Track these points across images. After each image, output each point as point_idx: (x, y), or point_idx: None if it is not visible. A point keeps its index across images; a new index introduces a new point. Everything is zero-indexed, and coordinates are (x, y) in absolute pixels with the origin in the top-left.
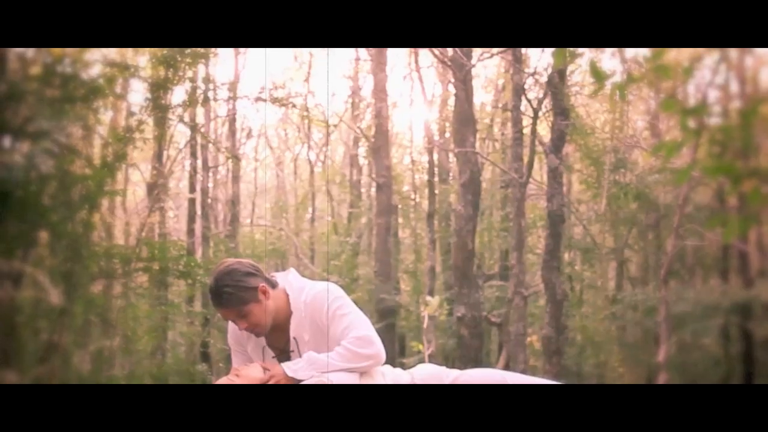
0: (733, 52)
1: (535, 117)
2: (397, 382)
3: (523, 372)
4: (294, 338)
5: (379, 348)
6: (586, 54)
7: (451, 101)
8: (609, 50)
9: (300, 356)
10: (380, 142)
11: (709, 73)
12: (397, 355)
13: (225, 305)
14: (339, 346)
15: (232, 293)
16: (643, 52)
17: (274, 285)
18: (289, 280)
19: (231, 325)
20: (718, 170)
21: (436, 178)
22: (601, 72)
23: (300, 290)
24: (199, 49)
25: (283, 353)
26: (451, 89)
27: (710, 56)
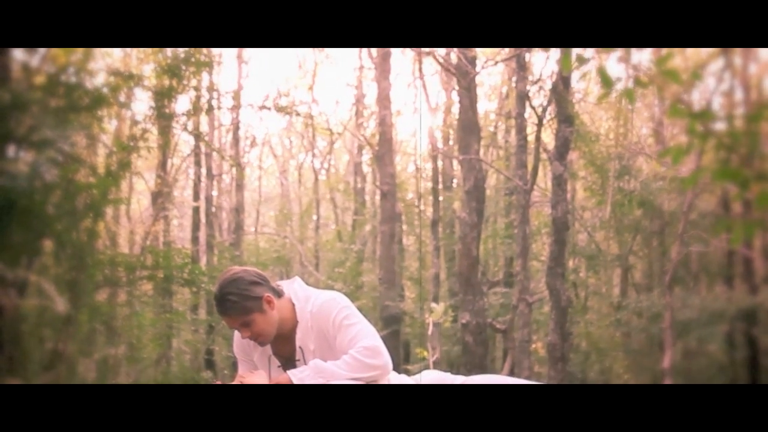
0: (738, 59)
1: (540, 124)
2: None
3: (528, 378)
4: (300, 347)
5: (386, 359)
6: (592, 59)
7: (455, 109)
8: (615, 56)
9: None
10: (384, 149)
11: (714, 80)
12: (401, 361)
13: (229, 313)
14: (346, 355)
15: (236, 302)
16: (648, 56)
17: (279, 294)
18: (294, 289)
19: (236, 335)
20: (725, 175)
21: (440, 186)
22: (609, 77)
23: (306, 300)
24: (203, 57)
25: (289, 362)
26: (455, 97)
27: (714, 63)
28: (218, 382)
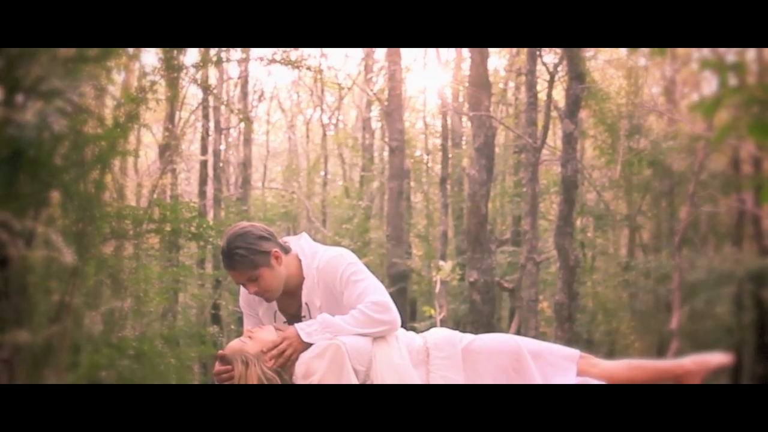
0: None
1: (551, 81)
2: (410, 346)
3: (535, 338)
4: (306, 304)
5: (394, 314)
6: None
7: (466, 65)
8: None
9: None
10: (393, 105)
11: None
12: (408, 319)
13: (236, 268)
14: (354, 309)
15: (244, 256)
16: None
17: (287, 250)
18: (301, 245)
19: (243, 289)
20: (759, 130)
21: (450, 143)
22: None
23: (312, 256)
24: None
25: (295, 318)
26: (466, 53)
27: None
28: (220, 352)
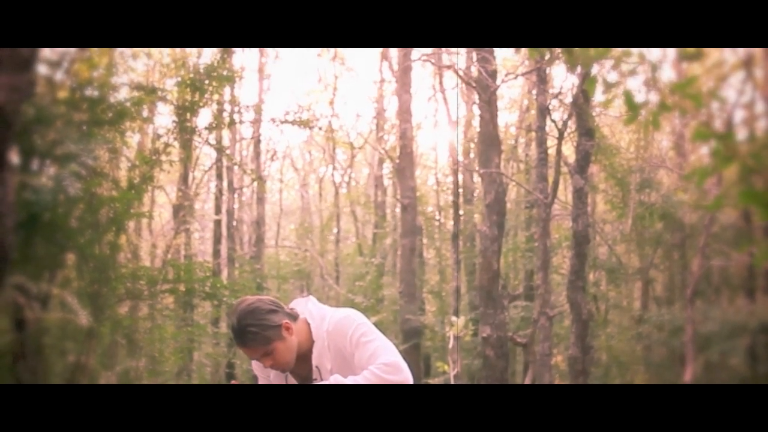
0: (759, 71)
1: (560, 137)
2: None
3: None
4: (316, 367)
5: (406, 374)
6: (618, 82)
7: (476, 122)
8: (640, 78)
9: None
10: (405, 163)
11: (735, 93)
12: (422, 375)
13: (249, 345)
14: (366, 370)
15: (256, 333)
16: (671, 74)
17: (295, 318)
18: (309, 309)
19: None
20: (749, 198)
21: (461, 199)
22: (635, 103)
23: (321, 319)
24: (225, 72)
25: (306, 381)
26: (476, 110)
27: (735, 76)
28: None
